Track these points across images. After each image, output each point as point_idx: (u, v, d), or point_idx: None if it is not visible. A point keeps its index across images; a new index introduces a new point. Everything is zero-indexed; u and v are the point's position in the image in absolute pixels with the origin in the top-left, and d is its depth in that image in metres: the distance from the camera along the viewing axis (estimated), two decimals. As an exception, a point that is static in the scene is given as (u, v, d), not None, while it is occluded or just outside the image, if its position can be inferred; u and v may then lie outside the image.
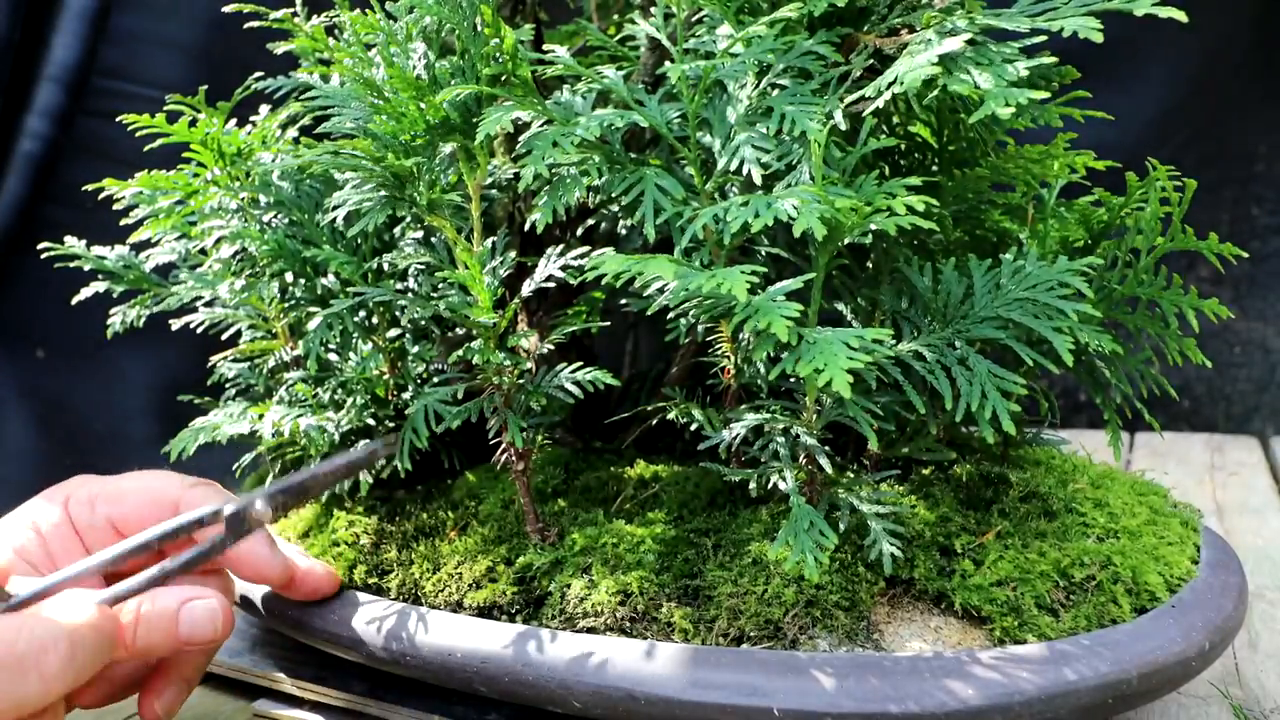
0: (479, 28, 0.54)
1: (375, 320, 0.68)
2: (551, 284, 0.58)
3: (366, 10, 0.57)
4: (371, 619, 0.57)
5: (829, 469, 0.51)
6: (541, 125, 0.54)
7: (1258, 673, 0.63)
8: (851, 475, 0.55)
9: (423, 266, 0.63)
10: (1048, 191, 0.60)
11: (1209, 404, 1.36)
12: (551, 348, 0.59)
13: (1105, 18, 0.46)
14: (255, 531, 0.52)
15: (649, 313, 0.53)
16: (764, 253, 0.57)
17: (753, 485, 0.53)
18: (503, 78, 0.55)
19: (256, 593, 0.64)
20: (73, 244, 0.75)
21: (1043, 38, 0.46)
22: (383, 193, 0.55)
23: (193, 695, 0.67)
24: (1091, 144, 0.62)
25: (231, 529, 0.51)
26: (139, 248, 0.76)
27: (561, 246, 0.58)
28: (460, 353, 0.55)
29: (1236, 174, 1.31)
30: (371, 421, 0.67)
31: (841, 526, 0.51)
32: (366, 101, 0.53)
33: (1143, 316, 0.59)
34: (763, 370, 0.56)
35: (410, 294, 0.61)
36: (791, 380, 0.54)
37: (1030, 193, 0.60)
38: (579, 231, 0.69)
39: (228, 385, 0.75)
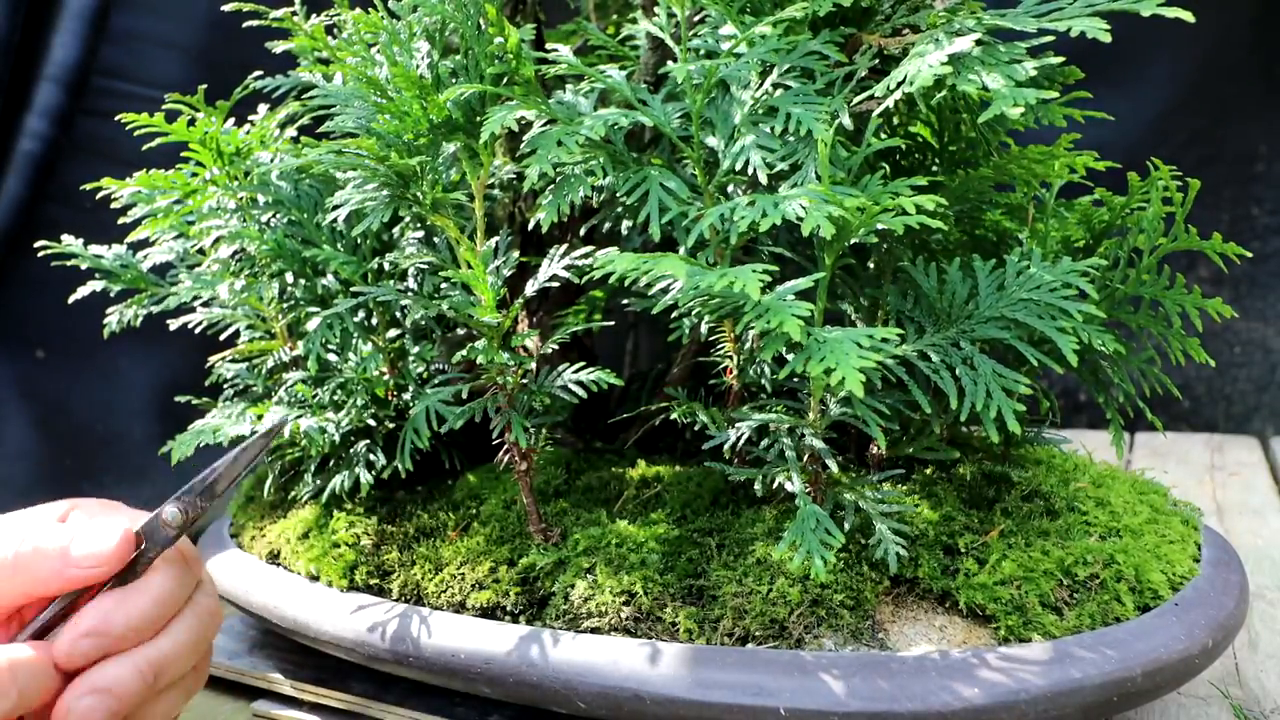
0: (483, 27, 0.53)
1: (375, 320, 0.67)
2: (555, 284, 0.58)
3: (370, 9, 0.57)
4: (374, 621, 0.57)
5: (835, 469, 0.51)
6: (545, 125, 0.54)
7: (1258, 673, 0.64)
8: (854, 475, 0.55)
9: (425, 266, 0.63)
10: (1047, 192, 0.61)
11: (1209, 404, 1.36)
12: (555, 348, 0.58)
13: (1106, 18, 0.46)
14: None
15: (654, 312, 0.52)
16: (767, 252, 0.57)
17: (758, 485, 0.53)
18: (506, 77, 0.55)
19: (257, 595, 0.64)
20: (70, 243, 0.75)
21: (1049, 38, 0.47)
22: (386, 192, 0.54)
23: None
24: (1091, 144, 0.62)
25: (153, 543, 0.48)
26: (137, 247, 0.75)
27: (565, 246, 0.58)
28: (464, 353, 0.55)
29: (1236, 174, 1.31)
30: (372, 422, 0.67)
31: (846, 526, 0.51)
32: (370, 101, 0.53)
33: (1146, 316, 0.59)
34: (769, 370, 0.56)
35: (412, 294, 0.61)
36: (795, 380, 0.54)
37: (1030, 193, 0.61)
38: (581, 231, 0.69)
39: (226, 386, 0.74)
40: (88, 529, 0.47)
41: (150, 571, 0.48)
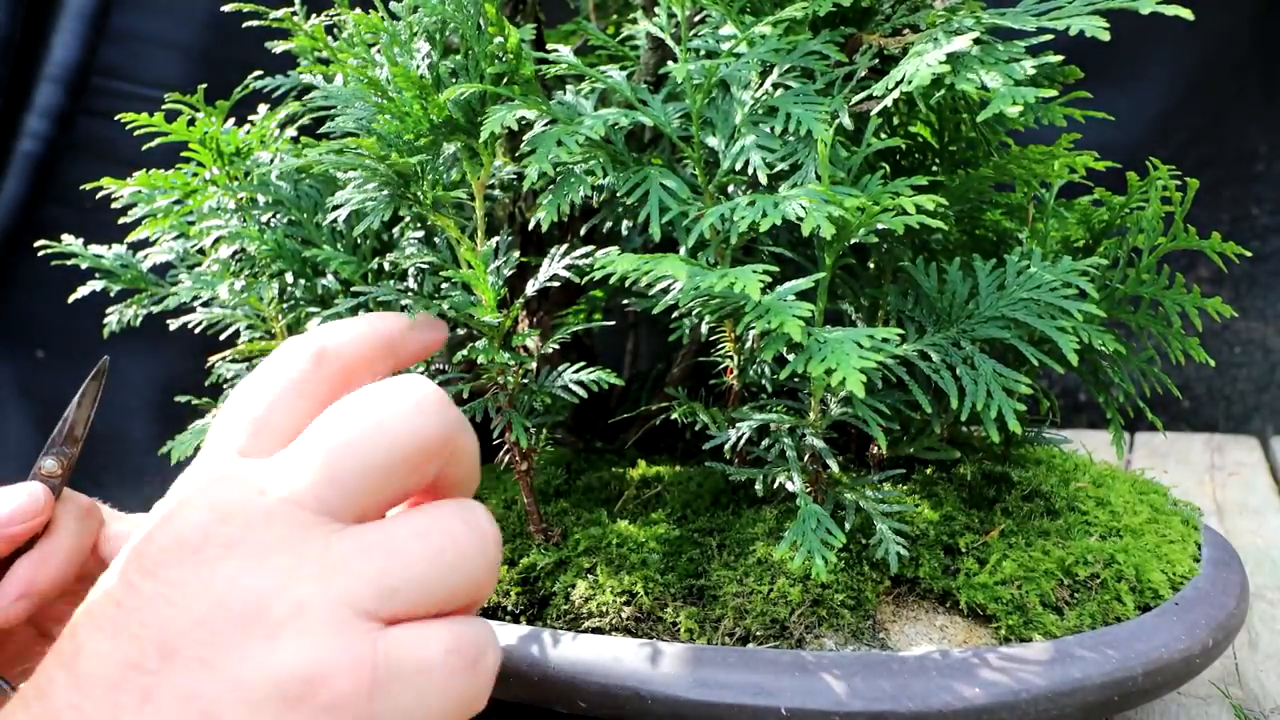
0: (483, 27, 0.53)
1: (376, 320, 0.67)
2: (555, 284, 0.58)
3: (370, 10, 0.57)
4: (374, 620, 0.57)
5: (835, 469, 0.51)
6: (545, 125, 0.54)
7: (1258, 673, 0.64)
8: (855, 475, 0.55)
9: (425, 266, 0.63)
10: (1047, 192, 0.61)
11: (1209, 404, 1.36)
12: (555, 348, 0.58)
13: (1106, 16, 0.46)
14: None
15: (654, 312, 0.53)
16: (767, 252, 0.57)
17: (759, 485, 0.53)
18: (506, 77, 0.55)
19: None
20: (70, 243, 0.75)
21: (1048, 37, 0.47)
22: (386, 192, 0.54)
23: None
24: (1091, 144, 0.62)
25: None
26: (137, 247, 0.75)
27: (566, 246, 0.58)
28: (464, 353, 0.55)
29: (1236, 174, 1.31)
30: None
31: (847, 526, 0.51)
32: (370, 101, 0.53)
33: (1146, 316, 0.59)
34: (769, 370, 0.56)
35: (412, 294, 0.61)
36: (795, 380, 0.54)
37: (1030, 192, 0.61)
38: (581, 231, 0.69)
39: (226, 386, 0.74)
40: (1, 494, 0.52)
41: (54, 526, 0.53)
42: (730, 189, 0.56)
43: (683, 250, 0.52)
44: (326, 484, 0.36)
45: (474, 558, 0.37)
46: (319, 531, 0.35)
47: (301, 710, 0.33)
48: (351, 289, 0.62)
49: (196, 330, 0.74)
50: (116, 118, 0.68)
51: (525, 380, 0.58)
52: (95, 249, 0.75)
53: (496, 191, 0.67)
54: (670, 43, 0.54)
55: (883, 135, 0.56)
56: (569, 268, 0.57)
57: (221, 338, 0.75)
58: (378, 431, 0.37)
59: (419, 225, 0.64)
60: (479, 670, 0.36)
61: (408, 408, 0.37)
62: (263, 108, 0.72)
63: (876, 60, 0.53)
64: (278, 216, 0.67)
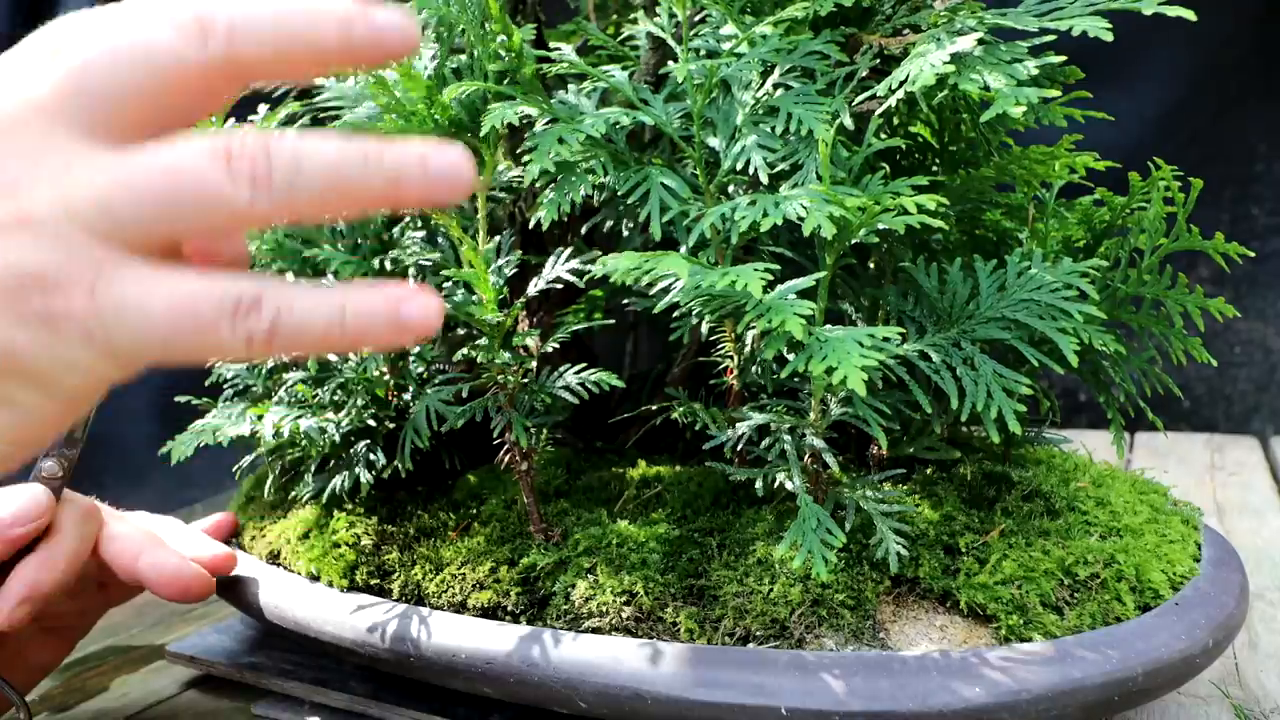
0: (486, 26, 0.53)
1: (376, 320, 0.67)
2: (559, 284, 0.58)
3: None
4: (374, 621, 0.57)
5: (836, 469, 0.51)
6: (547, 123, 0.54)
7: (1258, 673, 0.64)
8: (855, 475, 0.56)
9: (426, 265, 0.63)
10: (1048, 192, 0.61)
11: (1209, 404, 1.36)
12: (556, 347, 0.58)
13: (1108, 17, 0.46)
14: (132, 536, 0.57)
15: (655, 312, 0.53)
16: (768, 252, 0.57)
17: (759, 485, 0.53)
18: (508, 76, 0.55)
19: (257, 594, 0.64)
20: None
21: (1051, 37, 0.47)
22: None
23: (192, 697, 0.67)
24: (1091, 144, 0.62)
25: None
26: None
27: (571, 249, 0.58)
28: (464, 352, 0.55)
29: (1236, 174, 1.31)
30: (372, 422, 0.67)
31: (847, 526, 0.51)
32: (378, 100, 0.53)
33: (1147, 316, 0.59)
34: (769, 370, 0.56)
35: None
36: (795, 380, 0.54)
37: (1031, 193, 0.61)
38: (582, 230, 0.69)
39: (226, 386, 0.74)
40: (2, 496, 0.52)
41: (56, 528, 0.54)
42: (731, 189, 0.56)
43: (683, 250, 0.52)
44: (73, 93, 0.33)
45: (215, 193, 0.34)
46: (63, 145, 0.33)
47: (17, 308, 0.32)
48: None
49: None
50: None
51: (525, 380, 0.58)
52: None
53: (498, 192, 0.67)
54: (671, 42, 0.54)
55: (883, 135, 0.56)
56: (572, 271, 0.57)
57: (221, 337, 0.74)
58: (131, 48, 0.34)
59: (420, 224, 0.64)
60: (201, 336, 0.33)
61: (167, 31, 0.34)
62: (263, 108, 0.72)
63: (877, 60, 0.53)
64: (278, 216, 0.67)
